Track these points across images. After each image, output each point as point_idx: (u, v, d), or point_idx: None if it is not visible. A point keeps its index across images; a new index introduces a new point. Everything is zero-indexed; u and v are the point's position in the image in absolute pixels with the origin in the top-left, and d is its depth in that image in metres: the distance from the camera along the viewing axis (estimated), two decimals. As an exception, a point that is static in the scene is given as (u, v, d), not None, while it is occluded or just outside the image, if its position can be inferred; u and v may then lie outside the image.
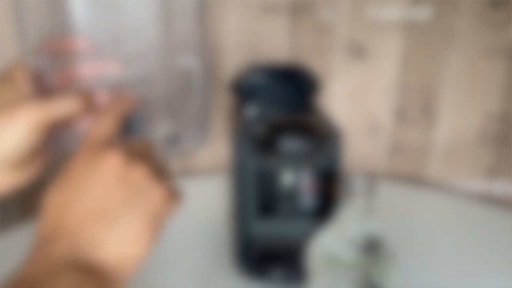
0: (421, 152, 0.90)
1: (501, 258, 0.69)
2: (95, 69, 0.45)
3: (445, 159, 0.90)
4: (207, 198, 0.80)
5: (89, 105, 0.44)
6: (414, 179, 0.92)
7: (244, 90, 0.66)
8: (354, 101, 0.88)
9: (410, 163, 0.91)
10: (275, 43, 0.84)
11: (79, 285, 0.34)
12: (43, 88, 0.44)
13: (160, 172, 0.40)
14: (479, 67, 0.83)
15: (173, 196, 0.40)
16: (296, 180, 0.63)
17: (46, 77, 0.45)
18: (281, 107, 0.62)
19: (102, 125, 0.41)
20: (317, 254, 0.48)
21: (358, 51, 0.85)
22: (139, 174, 0.38)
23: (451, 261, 0.69)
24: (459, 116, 0.87)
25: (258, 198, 0.62)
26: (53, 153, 0.45)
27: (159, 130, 0.48)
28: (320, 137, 0.58)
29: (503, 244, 0.72)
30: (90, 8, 0.43)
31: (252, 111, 0.63)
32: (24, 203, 0.79)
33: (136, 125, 0.47)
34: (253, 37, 0.83)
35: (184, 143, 0.49)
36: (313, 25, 0.83)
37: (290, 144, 0.57)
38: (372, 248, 0.47)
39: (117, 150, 0.38)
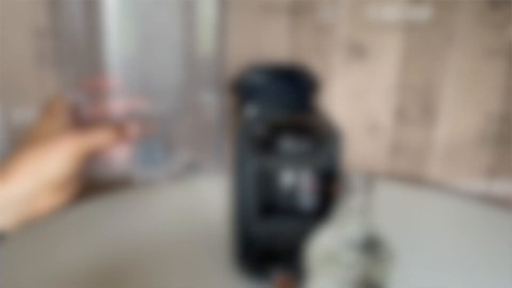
0: (421, 152, 0.90)
1: (501, 258, 0.69)
2: (125, 104, 0.51)
3: (445, 159, 0.90)
4: (208, 198, 0.80)
5: (120, 136, 0.49)
6: (414, 179, 0.92)
7: (244, 90, 0.66)
8: (354, 101, 0.88)
9: (410, 163, 0.91)
10: (275, 43, 0.84)
11: None
12: (79, 120, 0.50)
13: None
14: (479, 67, 0.83)
15: None
16: (296, 180, 0.63)
17: (83, 110, 0.50)
18: (281, 107, 0.62)
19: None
20: (316, 253, 0.49)
21: (358, 51, 0.85)
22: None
23: (451, 261, 0.69)
24: (459, 116, 0.87)
25: (258, 198, 0.62)
26: (85, 177, 0.51)
27: (178, 158, 0.53)
28: (320, 137, 0.58)
29: (503, 244, 0.72)
30: (123, 50, 0.49)
31: (252, 111, 0.63)
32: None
33: (157, 154, 0.52)
34: (253, 37, 0.83)
35: (201, 171, 0.54)
36: (313, 25, 0.83)
37: (290, 144, 0.57)
38: (372, 247, 0.47)
39: None
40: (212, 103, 0.52)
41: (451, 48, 0.83)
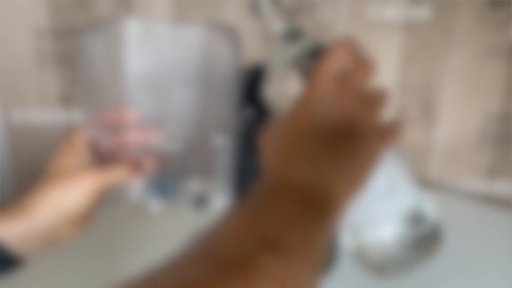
0: (421, 152, 0.90)
1: (501, 258, 0.69)
2: (142, 138, 0.53)
3: (445, 159, 0.90)
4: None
5: (137, 170, 0.51)
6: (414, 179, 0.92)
7: (244, 90, 0.66)
8: (354, 101, 0.88)
9: (410, 163, 0.91)
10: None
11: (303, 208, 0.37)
12: (99, 154, 0.52)
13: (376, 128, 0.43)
14: (479, 67, 0.83)
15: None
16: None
17: (102, 144, 0.53)
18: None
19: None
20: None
21: (358, 51, 0.85)
22: (366, 122, 0.41)
23: (451, 261, 0.69)
24: (459, 116, 0.87)
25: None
26: (100, 207, 0.53)
27: (188, 191, 0.56)
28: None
29: (503, 244, 0.72)
30: (141, 91, 0.51)
31: (252, 111, 0.63)
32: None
33: (169, 187, 0.55)
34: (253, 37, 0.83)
35: (210, 203, 0.57)
36: (313, 25, 0.83)
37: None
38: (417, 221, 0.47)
39: (354, 93, 0.41)
40: (225, 145, 0.55)
41: (451, 48, 0.83)
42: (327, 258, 0.65)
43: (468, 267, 0.67)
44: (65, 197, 0.48)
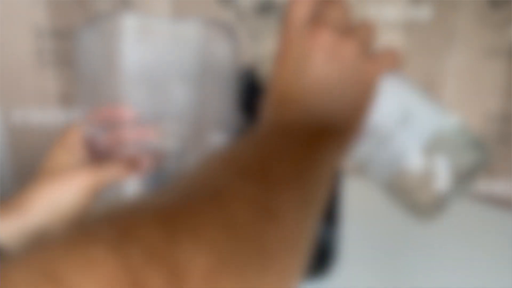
0: (421, 152, 0.90)
1: (501, 258, 0.69)
2: (138, 135, 0.52)
3: (445, 159, 0.90)
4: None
5: (133, 169, 0.50)
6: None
7: (243, 90, 0.66)
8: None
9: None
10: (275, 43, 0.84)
11: (311, 140, 0.37)
12: (94, 151, 0.51)
13: (368, 50, 0.42)
14: (479, 67, 0.83)
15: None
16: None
17: (97, 142, 0.52)
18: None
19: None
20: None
21: (358, 51, 0.85)
22: (349, 50, 0.41)
23: (451, 261, 0.68)
24: (459, 116, 0.87)
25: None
26: (95, 205, 0.52)
27: None
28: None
29: (503, 244, 0.71)
30: (138, 88, 0.50)
31: (247, 117, 0.63)
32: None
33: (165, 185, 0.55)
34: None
35: None
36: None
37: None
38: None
39: (325, 27, 0.41)
40: (222, 144, 0.54)
41: (451, 48, 0.83)
42: (327, 258, 0.65)
43: (468, 267, 0.67)
44: (59, 194, 0.48)
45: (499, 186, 0.89)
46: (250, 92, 0.65)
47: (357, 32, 0.42)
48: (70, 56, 0.85)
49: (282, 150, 0.35)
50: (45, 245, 0.23)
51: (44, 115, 0.88)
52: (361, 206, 0.71)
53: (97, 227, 0.24)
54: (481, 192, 0.90)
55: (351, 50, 0.41)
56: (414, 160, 0.42)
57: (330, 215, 0.63)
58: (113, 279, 0.21)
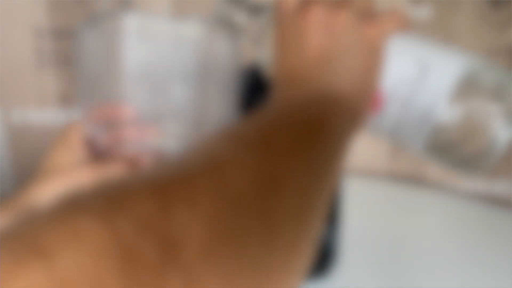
0: (421, 152, 0.90)
1: (501, 258, 0.69)
2: (138, 134, 0.52)
3: (445, 159, 0.90)
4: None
5: (132, 168, 0.50)
6: (414, 179, 0.92)
7: (243, 90, 0.66)
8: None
9: (410, 163, 0.91)
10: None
11: (323, 113, 0.37)
12: (94, 150, 0.51)
13: (366, 16, 0.42)
14: (479, 67, 0.83)
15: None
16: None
17: (98, 141, 0.51)
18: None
19: None
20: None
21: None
22: (343, 19, 0.41)
23: (451, 261, 0.68)
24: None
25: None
26: None
27: None
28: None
29: (503, 244, 0.71)
30: (138, 87, 0.50)
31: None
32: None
33: None
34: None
35: None
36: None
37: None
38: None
39: (315, 4, 0.41)
40: None
41: (451, 48, 0.83)
42: (327, 258, 0.65)
43: (468, 267, 0.67)
44: (59, 193, 0.47)
45: (499, 186, 0.89)
46: (253, 92, 0.65)
47: (351, 2, 0.42)
48: (70, 56, 0.85)
49: (287, 121, 0.34)
50: (33, 218, 0.22)
51: (44, 115, 0.88)
52: (361, 206, 0.71)
53: (86, 199, 0.23)
54: (481, 192, 0.90)
55: (346, 19, 0.41)
56: (447, 111, 0.38)
57: (330, 216, 0.63)
58: (101, 252, 0.19)
